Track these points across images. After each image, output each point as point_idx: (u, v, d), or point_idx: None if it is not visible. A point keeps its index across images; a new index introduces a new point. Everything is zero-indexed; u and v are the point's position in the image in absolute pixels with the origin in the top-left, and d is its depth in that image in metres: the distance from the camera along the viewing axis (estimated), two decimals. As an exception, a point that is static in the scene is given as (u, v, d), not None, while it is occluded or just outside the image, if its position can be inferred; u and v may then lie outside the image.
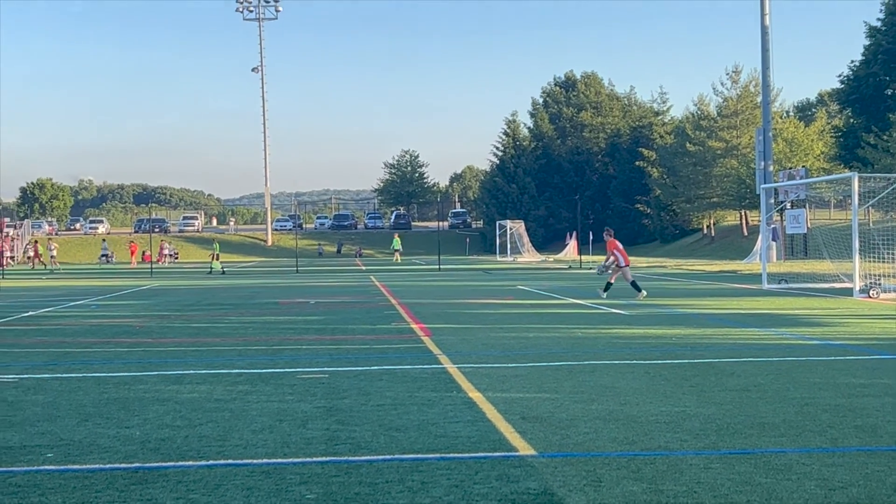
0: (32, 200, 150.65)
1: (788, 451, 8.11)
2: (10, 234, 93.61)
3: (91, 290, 37.69)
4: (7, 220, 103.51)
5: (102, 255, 75.51)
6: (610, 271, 28.22)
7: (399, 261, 74.07)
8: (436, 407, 10.20)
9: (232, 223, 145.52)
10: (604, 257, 29.15)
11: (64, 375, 12.94)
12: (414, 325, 19.97)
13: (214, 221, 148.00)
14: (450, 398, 10.75)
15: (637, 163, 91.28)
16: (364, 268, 61.72)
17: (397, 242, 79.78)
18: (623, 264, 27.82)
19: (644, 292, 27.22)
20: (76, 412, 10.16)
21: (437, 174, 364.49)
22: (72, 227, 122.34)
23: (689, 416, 9.54)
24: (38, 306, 27.83)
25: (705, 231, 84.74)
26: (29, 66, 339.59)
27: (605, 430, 8.94)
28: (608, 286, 28.02)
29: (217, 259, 57.33)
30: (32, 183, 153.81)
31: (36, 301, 30.48)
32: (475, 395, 10.88)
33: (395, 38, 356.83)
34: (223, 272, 54.39)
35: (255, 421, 9.56)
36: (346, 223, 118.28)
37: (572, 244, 76.48)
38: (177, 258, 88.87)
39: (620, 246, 28.08)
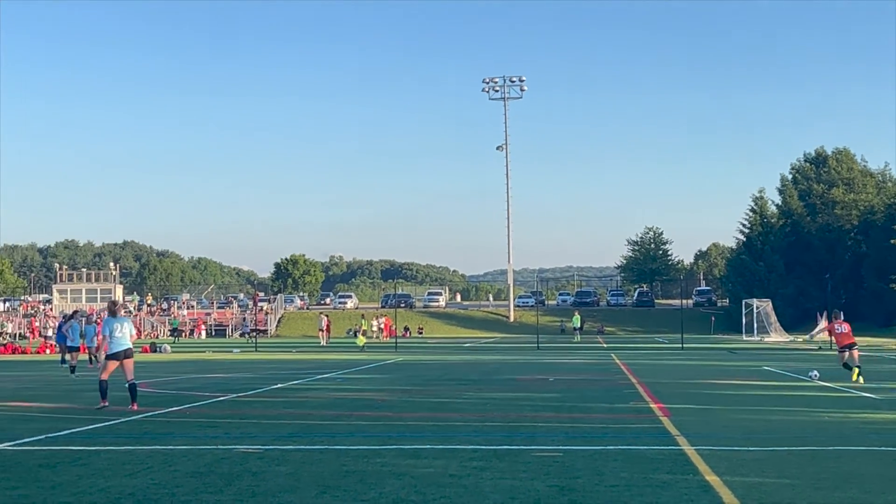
0: (286, 276, 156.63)
1: None
2: (264, 307, 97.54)
3: (338, 363, 38.79)
4: (261, 294, 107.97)
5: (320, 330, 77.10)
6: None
7: (578, 339, 72.51)
8: (670, 490, 10.02)
9: (491, 298, 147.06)
10: (854, 338, 27.79)
11: (306, 447, 13.33)
12: (653, 405, 19.69)
13: (458, 297, 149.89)
14: (685, 481, 10.54)
15: (893, 241, 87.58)
16: (605, 345, 61.30)
17: (577, 320, 78.37)
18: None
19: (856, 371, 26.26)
20: (316, 484, 10.44)
21: (681, 251, 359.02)
22: (322, 302, 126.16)
23: (939, 509, 9.06)
24: (287, 379, 28.83)
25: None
26: (282, 147, 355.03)
27: (847, 520, 8.58)
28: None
29: (363, 335, 57.96)
30: (286, 259, 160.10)
31: (286, 373, 31.58)
32: (712, 479, 10.63)
33: (636, 116, 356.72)
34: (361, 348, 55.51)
35: (487, 498, 9.61)
36: (588, 300, 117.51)
37: (823, 324, 73.77)
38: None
39: (842, 327, 27.38)
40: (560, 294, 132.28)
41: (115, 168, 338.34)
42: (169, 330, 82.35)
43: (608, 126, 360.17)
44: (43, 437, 14.69)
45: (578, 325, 77.38)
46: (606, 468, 11.41)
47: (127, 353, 19.66)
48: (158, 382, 27.77)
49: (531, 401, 20.90)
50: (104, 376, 19.53)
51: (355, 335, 58.88)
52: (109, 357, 19.62)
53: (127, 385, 19.55)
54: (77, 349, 33.95)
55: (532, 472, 11.11)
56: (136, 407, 19.11)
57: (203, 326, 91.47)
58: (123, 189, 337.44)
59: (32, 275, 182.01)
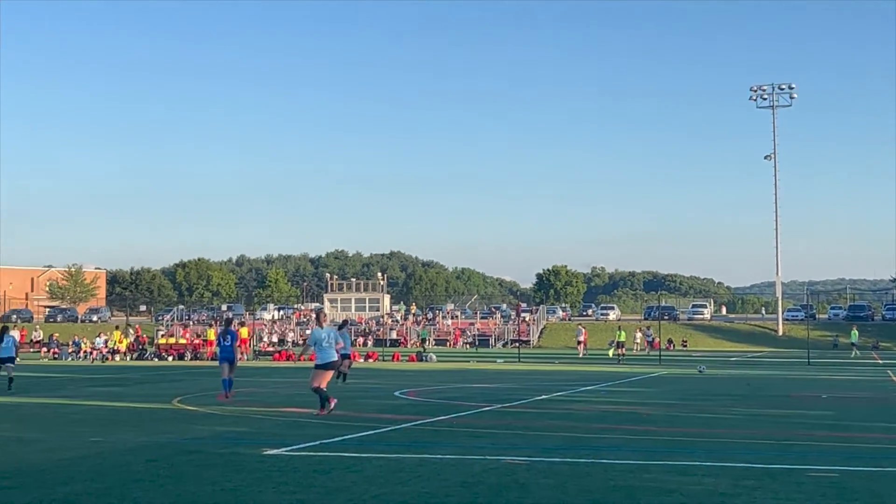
0: (548, 286, 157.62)
1: None
2: (527, 318, 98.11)
3: (600, 375, 38.63)
4: (523, 304, 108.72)
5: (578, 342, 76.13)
6: None
7: (856, 355, 68.77)
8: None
9: (764, 312, 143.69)
10: None
11: (572, 460, 13.28)
12: (936, 426, 18.72)
13: (724, 310, 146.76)
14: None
15: None
16: (881, 361, 58.73)
17: (854, 335, 74.47)
18: None
19: None
20: (583, 497, 10.39)
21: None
22: (584, 314, 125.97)
23: None
24: (551, 390, 28.90)
25: None
26: (541, 160, 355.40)
27: None
28: None
29: (620, 347, 57.03)
30: (548, 269, 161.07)
31: (549, 385, 31.67)
32: None
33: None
34: (617, 360, 55.03)
35: (760, 518, 9.33)
36: (861, 314, 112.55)
37: None
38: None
39: None
40: (831, 308, 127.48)
41: (383, 182, 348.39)
42: (419, 340, 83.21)
43: (883, 132, 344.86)
44: (317, 443, 15.21)
45: (856, 341, 74.21)
46: (886, 490, 10.91)
47: (332, 365, 20.06)
48: (425, 391, 28.36)
49: (804, 418, 20.24)
50: (322, 385, 20.07)
51: (617, 347, 58.58)
52: (319, 367, 20.13)
53: (314, 389, 20.13)
54: (348, 356, 34.88)
55: (807, 493, 10.72)
56: (323, 412, 19.79)
57: (466, 336, 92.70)
58: (391, 202, 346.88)
59: (304, 284, 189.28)
